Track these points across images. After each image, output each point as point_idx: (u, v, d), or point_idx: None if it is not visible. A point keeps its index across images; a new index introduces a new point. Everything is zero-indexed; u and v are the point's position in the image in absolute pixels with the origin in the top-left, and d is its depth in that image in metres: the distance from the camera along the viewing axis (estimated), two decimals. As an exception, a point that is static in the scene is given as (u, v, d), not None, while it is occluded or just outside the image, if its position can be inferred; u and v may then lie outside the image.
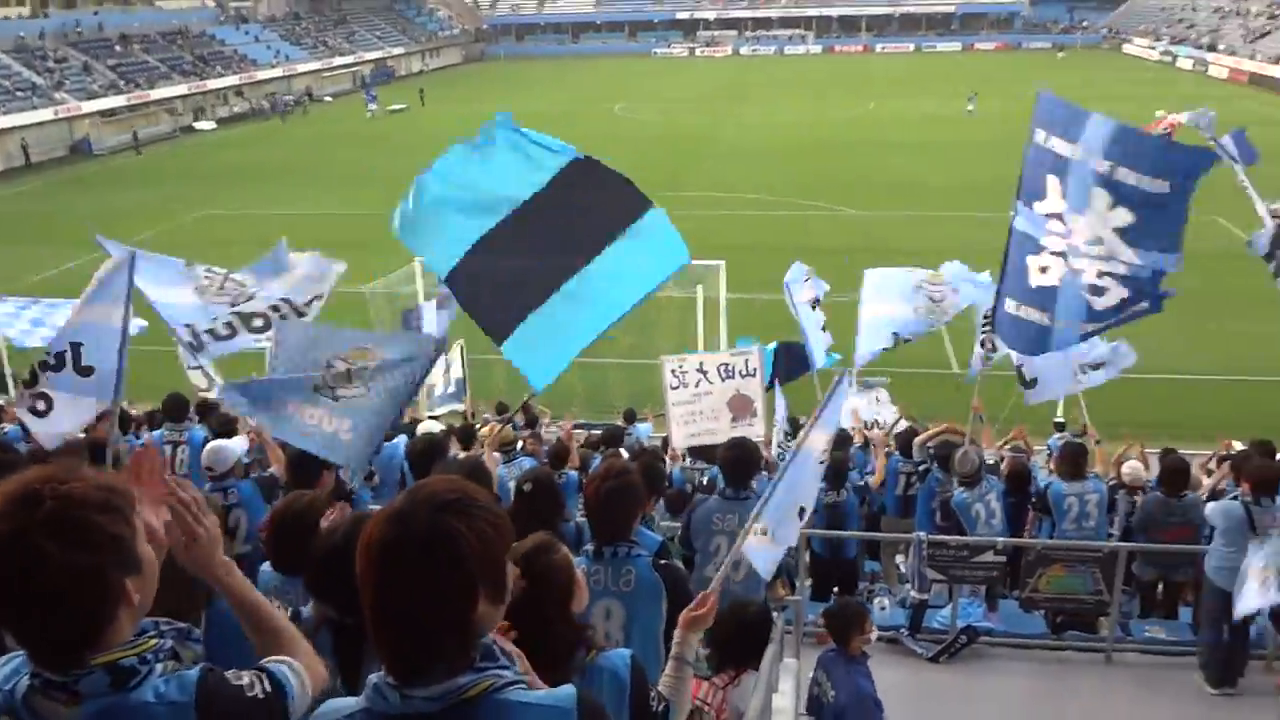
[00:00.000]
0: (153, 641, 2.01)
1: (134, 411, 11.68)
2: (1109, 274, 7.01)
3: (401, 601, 1.88)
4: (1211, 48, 74.16)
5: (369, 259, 16.06)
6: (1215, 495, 8.62)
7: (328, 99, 70.64)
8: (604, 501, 4.20)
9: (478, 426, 11.97)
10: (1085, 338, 7.63)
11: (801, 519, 4.71)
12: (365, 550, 1.92)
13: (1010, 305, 7.55)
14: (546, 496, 4.78)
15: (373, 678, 1.96)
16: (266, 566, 4.13)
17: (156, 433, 9.09)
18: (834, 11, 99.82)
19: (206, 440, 7.77)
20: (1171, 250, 6.86)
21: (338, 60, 78.61)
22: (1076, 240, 7.08)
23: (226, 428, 8.30)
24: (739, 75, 76.26)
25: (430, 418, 12.43)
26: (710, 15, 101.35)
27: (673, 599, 4.10)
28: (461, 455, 7.79)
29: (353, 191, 36.39)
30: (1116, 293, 7.02)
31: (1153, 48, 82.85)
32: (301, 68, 73.00)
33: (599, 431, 12.29)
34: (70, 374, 6.55)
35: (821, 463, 4.76)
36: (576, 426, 13.08)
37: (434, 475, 2.15)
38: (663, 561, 4.31)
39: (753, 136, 47.40)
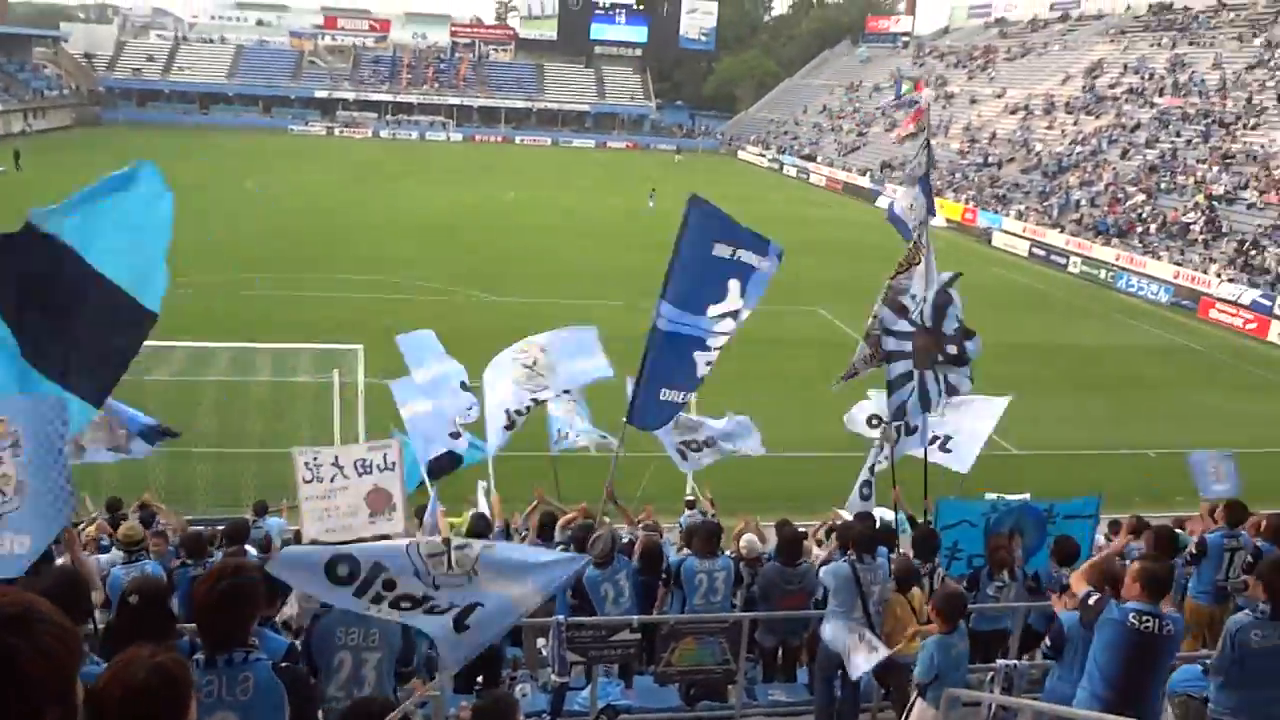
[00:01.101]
0: None
1: None
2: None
3: None
4: (811, 158, 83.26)
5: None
6: (826, 563, 9.40)
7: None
8: (217, 605, 3.88)
9: (82, 526, 10.82)
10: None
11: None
12: None
13: (664, 394, 8.65)
14: (154, 607, 4.34)
15: None
16: None
17: None
18: (475, 102, 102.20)
19: None
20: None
21: (-85, 113, 69.64)
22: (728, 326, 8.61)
23: None
24: (381, 158, 75.66)
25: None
26: (350, 96, 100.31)
27: (295, 704, 3.89)
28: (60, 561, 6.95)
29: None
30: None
31: (763, 155, 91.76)
32: None
33: (222, 526, 11.40)
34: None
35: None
36: (198, 521, 12.11)
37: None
38: (284, 665, 4.04)
39: (395, 219, 46.99)
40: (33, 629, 1.70)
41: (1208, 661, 6.90)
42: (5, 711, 1.64)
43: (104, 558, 9.13)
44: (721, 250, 8.34)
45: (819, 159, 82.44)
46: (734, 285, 8.40)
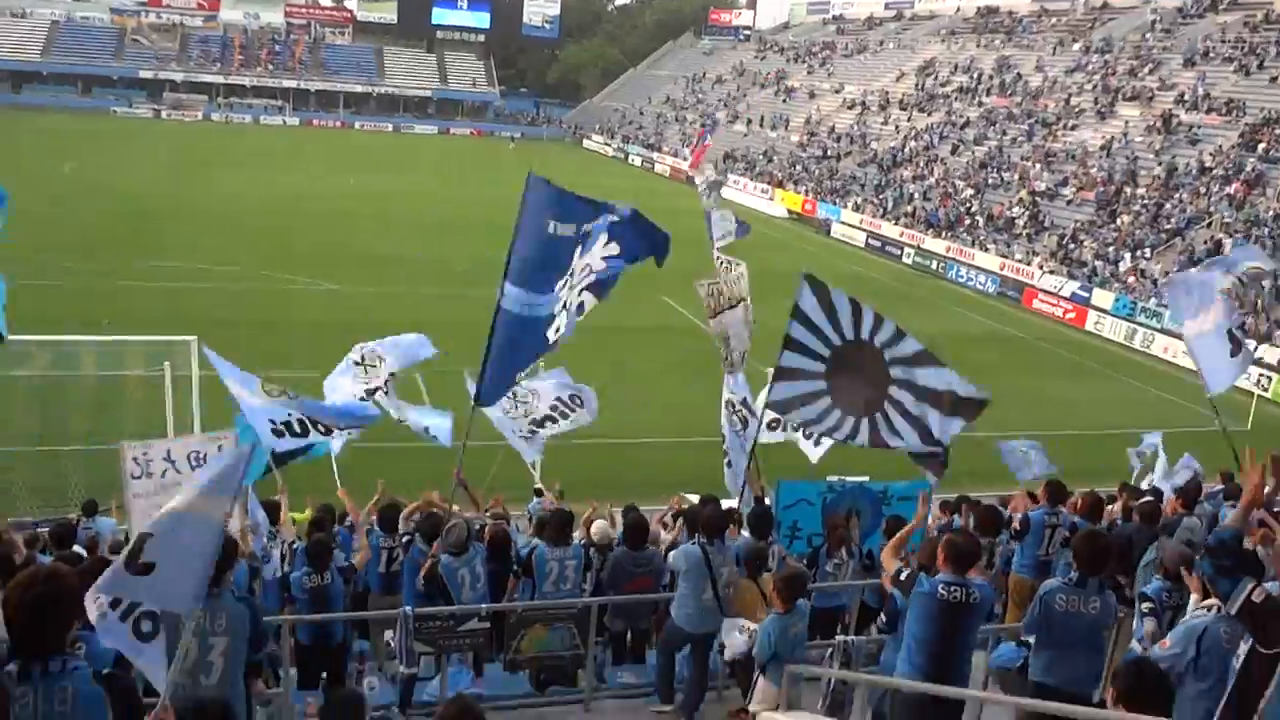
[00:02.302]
0: None
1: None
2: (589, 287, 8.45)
3: None
4: (656, 148, 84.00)
5: None
6: (673, 546, 9.56)
7: None
8: (30, 612, 3.69)
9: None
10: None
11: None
12: None
13: (508, 372, 8.64)
14: None
15: None
16: None
17: None
18: (311, 86, 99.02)
19: None
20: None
21: None
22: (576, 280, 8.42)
23: None
24: (213, 142, 72.54)
25: None
26: (178, 77, 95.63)
27: (118, 712, 3.76)
28: None
29: None
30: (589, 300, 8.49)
31: (608, 144, 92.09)
32: None
33: (46, 529, 10.80)
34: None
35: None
36: (22, 525, 11.44)
37: None
38: (108, 673, 3.88)
39: (229, 206, 45.11)
40: None
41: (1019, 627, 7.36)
42: None
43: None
44: (562, 229, 8.14)
45: (664, 149, 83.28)
46: (579, 257, 8.28)
